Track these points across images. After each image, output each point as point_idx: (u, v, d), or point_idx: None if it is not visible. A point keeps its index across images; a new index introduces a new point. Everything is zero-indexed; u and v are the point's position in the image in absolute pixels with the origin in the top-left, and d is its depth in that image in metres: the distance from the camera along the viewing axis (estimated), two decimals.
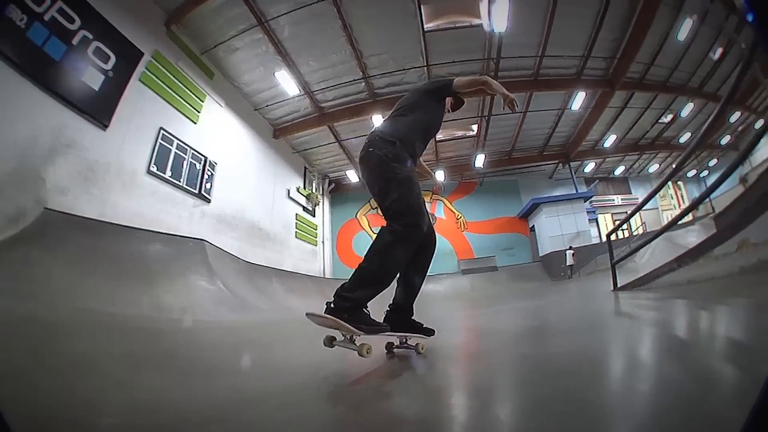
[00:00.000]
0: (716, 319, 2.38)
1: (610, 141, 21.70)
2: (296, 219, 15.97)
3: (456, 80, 2.60)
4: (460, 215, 22.49)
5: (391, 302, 2.43)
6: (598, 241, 21.28)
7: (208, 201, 9.70)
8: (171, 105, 8.87)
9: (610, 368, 1.67)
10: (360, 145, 2.46)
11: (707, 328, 2.25)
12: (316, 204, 17.91)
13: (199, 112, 9.93)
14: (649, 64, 15.50)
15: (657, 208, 27.61)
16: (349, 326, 1.96)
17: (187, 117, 9.42)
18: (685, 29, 13.86)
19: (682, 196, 31.41)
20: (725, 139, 26.38)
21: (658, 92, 17.61)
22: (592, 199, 23.90)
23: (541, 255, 20.61)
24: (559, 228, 20.00)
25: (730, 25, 14.90)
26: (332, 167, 18.97)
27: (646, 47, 13.89)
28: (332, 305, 2.02)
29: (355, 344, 2.05)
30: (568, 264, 17.76)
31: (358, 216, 21.23)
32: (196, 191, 9.21)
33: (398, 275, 2.38)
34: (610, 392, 1.32)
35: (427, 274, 2.63)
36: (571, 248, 18.26)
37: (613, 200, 27.03)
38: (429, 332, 2.44)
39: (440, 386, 1.78)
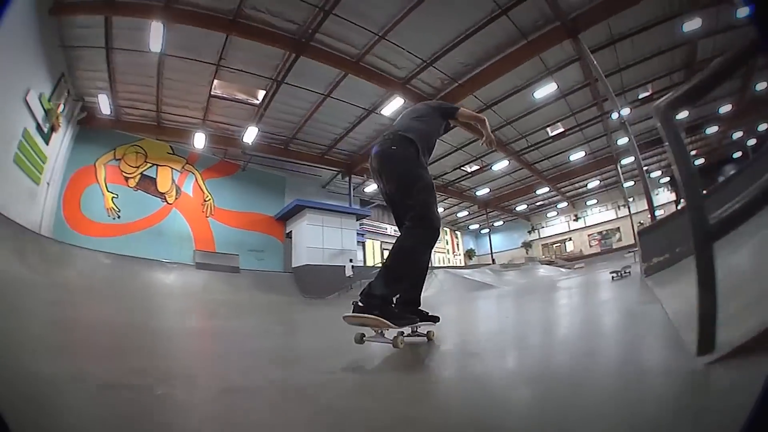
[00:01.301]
0: None
1: None
2: (23, 137, 12.18)
3: (461, 110, 3.31)
4: (210, 197, 21.34)
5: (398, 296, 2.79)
6: (362, 265, 23.46)
7: None
8: None
9: None
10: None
11: None
12: (55, 128, 14.30)
13: None
14: (488, 105, 17.72)
15: None
16: (386, 321, 2.36)
17: None
18: (546, 90, 16.76)
19: (457, 245, 39.87)
20: (522, 207, 34.21)
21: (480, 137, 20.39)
22: (365, 222, 26.28)
23: (294, 266, 20.61)
24: (321, 240, 20.41)
25: (587, 114, 18.80)
26: (91, 88, 15.55)
27: (495, 87, 15.94)
28: (360, 303, 2.43)
29: (386, 337, 2.49)
30: (347, 275, 18.70)
31: (96, 163, 17.84)
32: None
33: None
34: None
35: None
36: (351, 260, 19.49)
37: (386, 229, 30.44)
38: (435, 319, 2.96)
39: None
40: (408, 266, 2.62)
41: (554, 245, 40.13)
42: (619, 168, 26.49)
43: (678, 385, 1.48)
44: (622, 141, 24.22)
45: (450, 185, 27.98)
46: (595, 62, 13.79)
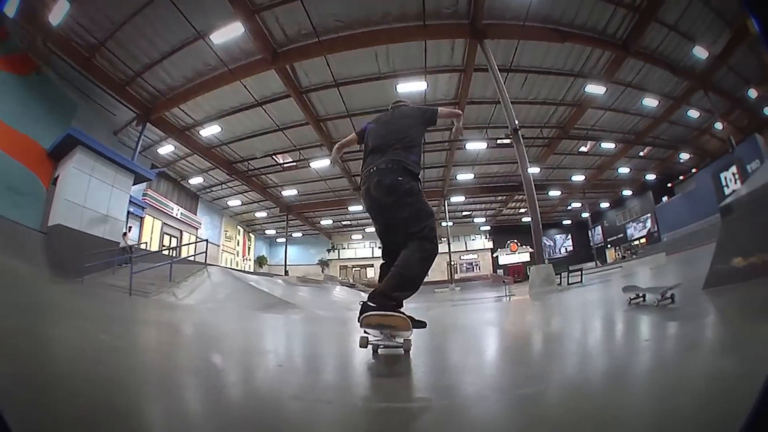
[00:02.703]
0: None
1: (209, 132, 19.77)
2: None
3: (440, 111, 3.39)
4: None
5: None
6: (136, 244, 19.10)
7: None
8: None
9: None
10: None
11: None
12: None
13: None
14: (337, 83, 15.99)
15: (219, 246, 28.65)
16: (408, 320, 2.57)
17: None
18: (410, 87, 15.58)
19: (249, 248, 37.64)
20: (327, 222, 35.75)
21: (318, 123, 18.08)
22: (149, 193, 22.28)
23: (50, 224, 15.36)
24: (84, 195, 15.88)
25: (437, 135, 18.58)
26: None
27: (353, 63, 14.60)
28: (372, 304, 2.57)
29: (395, 342, 2.72)
30: (122, 246, 15.64)
31: None
32: None
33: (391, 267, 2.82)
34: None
35: None
36: (130, 228, 16.88)
37: (173, 210, 25.81)
38: (422, 324, 2.89)
39: None
40: (419, 276, 2.75)
41: (354, 269, 40.39)
42: (446, 205, 26.69)
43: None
44: (462, 177, 24.50)
45: (254, 174, 24.01)
46: (498, 72, 13.22)
